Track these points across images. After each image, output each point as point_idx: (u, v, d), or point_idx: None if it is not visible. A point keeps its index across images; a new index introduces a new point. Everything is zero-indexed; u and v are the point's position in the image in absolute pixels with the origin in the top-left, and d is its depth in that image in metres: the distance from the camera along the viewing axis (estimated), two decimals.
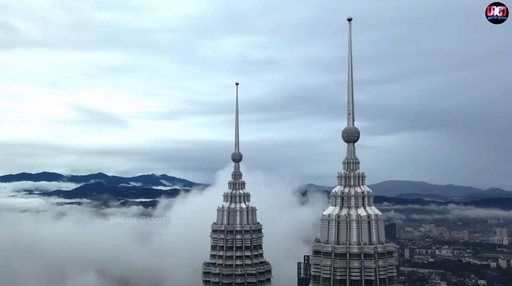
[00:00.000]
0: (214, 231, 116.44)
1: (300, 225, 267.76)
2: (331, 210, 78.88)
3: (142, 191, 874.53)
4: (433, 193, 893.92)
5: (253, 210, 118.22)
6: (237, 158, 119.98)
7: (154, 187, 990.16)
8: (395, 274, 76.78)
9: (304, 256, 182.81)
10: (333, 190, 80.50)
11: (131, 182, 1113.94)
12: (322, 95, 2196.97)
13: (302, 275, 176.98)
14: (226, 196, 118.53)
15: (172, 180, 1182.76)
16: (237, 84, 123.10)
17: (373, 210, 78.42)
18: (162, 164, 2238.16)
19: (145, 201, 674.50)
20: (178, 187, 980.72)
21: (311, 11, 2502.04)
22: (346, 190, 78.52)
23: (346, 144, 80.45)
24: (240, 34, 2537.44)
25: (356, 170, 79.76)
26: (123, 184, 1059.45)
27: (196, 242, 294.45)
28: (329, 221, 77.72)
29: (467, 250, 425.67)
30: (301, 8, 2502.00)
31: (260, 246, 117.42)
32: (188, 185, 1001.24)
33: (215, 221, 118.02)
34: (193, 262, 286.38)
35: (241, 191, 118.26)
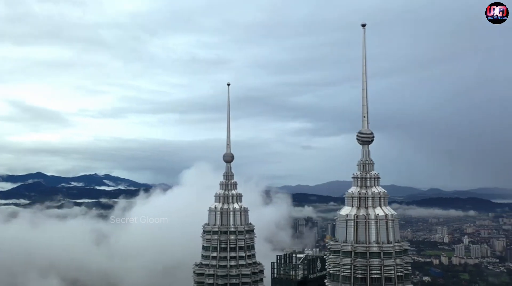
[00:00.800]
0: (206, 232, 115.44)
1: (263, 224, 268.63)
2: (348, 210, 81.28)
3: (84, 192, 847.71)
4: None
5: (246, 210, 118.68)
6: (229, 159, 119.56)
7: (97, 187, 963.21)
8: (410, 271, 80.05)
9: (277, 256, 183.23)
10: (349, 191, 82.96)
11: (72, 182, 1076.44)
12: (269, 96, 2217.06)
13: (275, 275, 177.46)
14: (218, 197, 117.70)
15: (116, 180, 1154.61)
16: (228, 84, 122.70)
17: (389, 210, 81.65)
18: (105, 163, 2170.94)
19: (89, 202, 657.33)
20: (123, 187, 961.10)
21: (260, 12, 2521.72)
22: (363, 191, 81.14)
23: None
24: (188, 33, 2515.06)
25: (371, 171, 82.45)
26: (63, 184, 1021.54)
27: (155, 243, 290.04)
28: (347, 221, 79.98)
29: (411, 248, 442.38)
30: (249, 9, 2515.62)
31: (252, 247, 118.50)
32: (132, 185, 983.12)
33: (207, 222, 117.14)
34: (153, 263, 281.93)
35: (233, 192, 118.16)
